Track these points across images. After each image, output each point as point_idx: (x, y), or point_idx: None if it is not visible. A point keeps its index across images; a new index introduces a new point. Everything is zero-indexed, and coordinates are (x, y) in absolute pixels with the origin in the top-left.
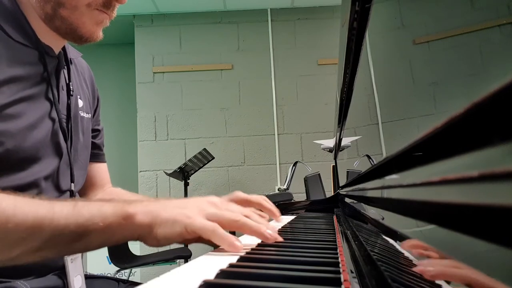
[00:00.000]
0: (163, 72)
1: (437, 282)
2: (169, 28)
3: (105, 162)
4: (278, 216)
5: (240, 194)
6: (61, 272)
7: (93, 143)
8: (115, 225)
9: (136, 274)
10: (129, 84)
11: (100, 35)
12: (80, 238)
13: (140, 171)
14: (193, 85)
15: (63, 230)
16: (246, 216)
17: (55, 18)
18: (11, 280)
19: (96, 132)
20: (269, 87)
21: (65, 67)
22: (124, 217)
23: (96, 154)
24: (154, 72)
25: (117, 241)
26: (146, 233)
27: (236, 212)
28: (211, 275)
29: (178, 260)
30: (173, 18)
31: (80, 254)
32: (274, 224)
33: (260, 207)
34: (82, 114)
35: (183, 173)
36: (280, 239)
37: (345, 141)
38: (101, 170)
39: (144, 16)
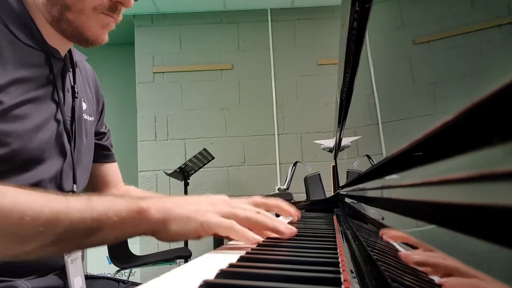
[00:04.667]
0: (163, 72)
1: (437, 282)
2: (169, 28)
3: (115, 161)
4: (296, 219)
5: (257, 199)
6: (62, 272)
7: (101, 145)
8: (129, 220)
9: (136, 274)
10: (129, 84)
11: (105, 38)
12: (95, 232)
13: (140, 171)
14: (193, 85)
15: (79, 223)
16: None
17: (62, 21)
18: (12, 279)
19: (102, 134)
20: (269, 87)
21: (71, 69)
22: (138, 211)
23: (106, 155)
24: (154, 72)
25: (131, 235)
26: (160, 229)
27: (249, 210)
28: (211, 275)
29: (178, 260)
30: (173, 18)
31: (80, 255)
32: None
33: (278, 211)
34: (85, 116)
35: (183, 173)
36: (295, 231)
37: (345, 141)
38: (113, 169)
39: (144, 16)
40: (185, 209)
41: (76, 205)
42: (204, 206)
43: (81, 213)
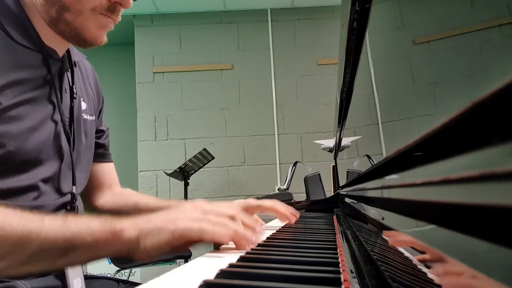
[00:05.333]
0: (163, 72)
1: (437, 282)
2: (169, 28)
3: (111, 161)
4: (293, 221)
5: (251, 202)
6: (61, 272)
7: (98, 143)
8: (103, 241)
9: (136, 274)
10: (129, 84)
11: (104, 39)
12: (68, 252)
13: (140, 171)
14: (193, 85)
15: (51, 244)
16: (233, 219)
17: (60, 22)
18: (11, 279)
19: (101, 132)
20: (269, 87)
21: (69, 69)
22: (112, 232)
23: (102, 154)
24: (154, 72)
25: (106, 256)
26: (135, 247)
27: (223, 217)
28: (211, 275)
29: (178, 260)
30: (173, 18)
31: None
32: (273, 224)
33: (274, 213)
34: (85, 116)
35: (183, 173)
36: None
37: (345, 141)
38: (107, 170)
39: (144, 16)
40: (156, 222)
41: (50, 226)
42: (174, 215)
43: (53, 233)
